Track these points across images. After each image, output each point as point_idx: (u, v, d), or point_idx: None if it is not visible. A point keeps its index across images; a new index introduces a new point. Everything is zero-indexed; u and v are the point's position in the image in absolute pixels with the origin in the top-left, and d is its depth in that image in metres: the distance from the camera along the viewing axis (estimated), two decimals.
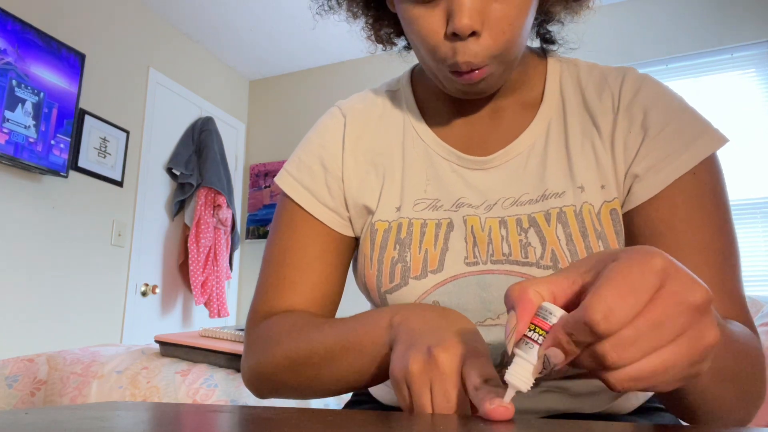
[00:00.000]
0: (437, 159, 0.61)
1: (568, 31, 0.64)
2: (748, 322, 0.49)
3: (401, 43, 0.67)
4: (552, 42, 0.65)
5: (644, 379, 0.29)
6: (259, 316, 0.62)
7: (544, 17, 0.61)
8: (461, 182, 0.59)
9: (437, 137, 0.62)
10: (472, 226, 0.57)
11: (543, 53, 0.65)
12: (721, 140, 0.52)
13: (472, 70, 0.51)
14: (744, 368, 0.42)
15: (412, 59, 0.64)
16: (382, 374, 0.49)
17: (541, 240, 0.54)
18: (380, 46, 0.66)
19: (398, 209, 0.60)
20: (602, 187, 0.55)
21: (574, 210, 0.55)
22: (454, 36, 0.50)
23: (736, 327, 0.44)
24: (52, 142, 2.33)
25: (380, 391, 0.68)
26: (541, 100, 0.61)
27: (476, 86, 0.54)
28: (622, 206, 0.56)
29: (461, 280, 0.56)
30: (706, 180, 0.52)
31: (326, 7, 0.65)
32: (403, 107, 0.65)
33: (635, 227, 0.54)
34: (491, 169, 0.59)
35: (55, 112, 2.36)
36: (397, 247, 0.58)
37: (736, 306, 0.50)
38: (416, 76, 0.68)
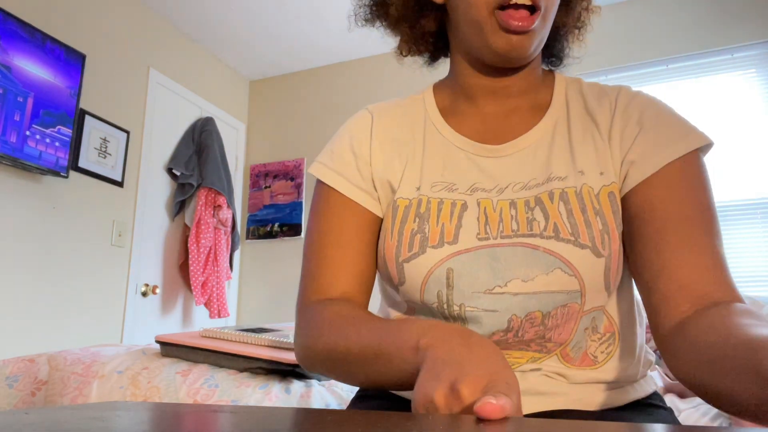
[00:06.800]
0: (454, 149, 0.68)
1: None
2: (733, 288, 0.53)
3: (426, 56, 0.78)
4: (560, 59, 0.77)
5: None
6: (306, 297, 0.67)
7: (552, 41, 0.72)
8: (475, 168, 0.66)
9: (454, 131, 0.70)
10: (485, 208, 0.63)
11: (550, 70, 0.75)
12: (707, 140, 0.60)
13: (528, 7, 0.58)
14: None
15: (429, 74, 0.66)
16: (407, 387, 0.52)
17: (545, 215, 0.60)
18: (413, 54, 0.76)
19: (418, 189, 0.66)
20: (601, 173, 0.62)
21: (575, 190, 0.61)
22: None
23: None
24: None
25: None
26: (549, 105, 0.69)
27: (520, 42, 0.60)
28: (620, 191, 0.62)
29: (473, 252, 0.61)
30: (696, 166, 0.59)
31: (372, 15, 0.75)
32: (425, 107, 0.74)
33: (632, 206, 0.60)
34: (503, 158, 0.66)
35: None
36: (417, 220, 0.64)
37: (722, 270, 0.54)
38: (437, 88, 0.76)
